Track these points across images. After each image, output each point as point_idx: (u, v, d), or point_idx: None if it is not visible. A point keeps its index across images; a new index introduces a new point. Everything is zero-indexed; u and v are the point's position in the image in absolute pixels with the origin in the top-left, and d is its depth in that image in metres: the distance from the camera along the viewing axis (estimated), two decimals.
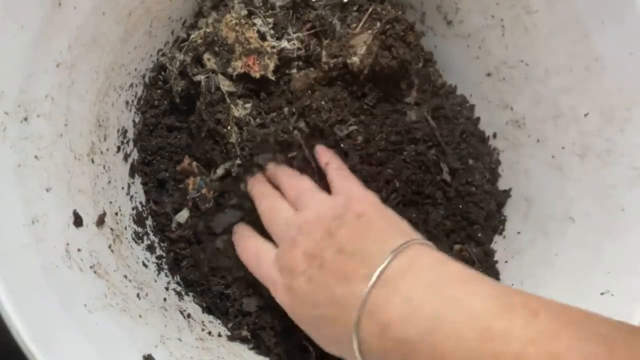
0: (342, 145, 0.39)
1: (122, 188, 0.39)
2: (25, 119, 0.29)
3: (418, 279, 0.27)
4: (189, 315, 0.37)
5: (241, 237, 0.38)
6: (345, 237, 0.31)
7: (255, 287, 0.38)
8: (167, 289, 0.38)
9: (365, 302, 0.27)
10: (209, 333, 0.37)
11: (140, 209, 0.40)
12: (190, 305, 0.39)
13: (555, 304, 0.25)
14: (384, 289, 0.27)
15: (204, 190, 0.39)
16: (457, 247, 0.42)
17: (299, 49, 0.40)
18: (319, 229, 0.32)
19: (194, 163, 0.41)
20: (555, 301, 0.25)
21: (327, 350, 0.31)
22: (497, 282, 0.27)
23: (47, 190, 0.30)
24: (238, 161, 0.39)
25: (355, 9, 0.42)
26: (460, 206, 0.41)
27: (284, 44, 0.40)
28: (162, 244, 0.41)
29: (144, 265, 0.38)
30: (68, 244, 0.30)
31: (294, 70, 0.40)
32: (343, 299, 0.28)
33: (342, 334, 0.28)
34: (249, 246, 0.37)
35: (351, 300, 0.28)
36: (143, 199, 0.41)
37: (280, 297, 0.33)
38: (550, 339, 0.23)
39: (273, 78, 0.39)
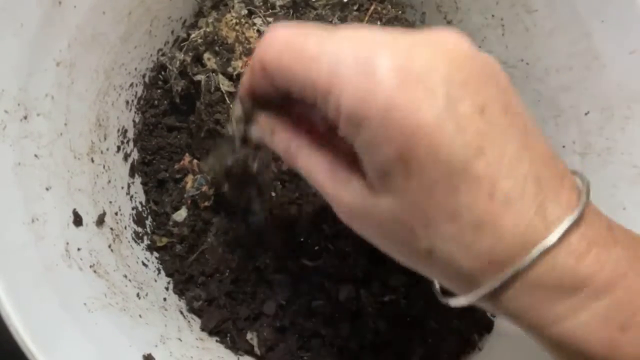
0: None
1: (122, 188, 0.39)
2: (25, 117, 0.29)
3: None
4: (189, 315, 0.37)
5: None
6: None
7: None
8: (167, 288, 0.38)
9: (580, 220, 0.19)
10: (209, 333, 0.37)
11: (140, 209, 0.40)
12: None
13: None
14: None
15: (204, 188, 0.39)
16: None
17: None
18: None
19: (194, 161, 0.41)
20: None
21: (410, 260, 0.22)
22: None
23: (47, 189, 0.30)
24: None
25: (355, 8, 0.42)
26: None
27: None
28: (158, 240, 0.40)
29: (144, 265, 0.38)
30: (68, 243, 0.30)
31: None
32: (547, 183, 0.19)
33: (513, 221, 0.19)
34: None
35: (536, 230, 0.19)
36: (143, 198, 0.41)
37: (409, 96, 0.18)
38: None
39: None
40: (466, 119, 0.18)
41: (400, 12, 0.41)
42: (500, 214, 0.19)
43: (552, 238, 0.19)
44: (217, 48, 0.39)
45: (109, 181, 0.37)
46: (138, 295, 0.34)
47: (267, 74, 0.21)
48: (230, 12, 0.40)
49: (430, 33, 0.20)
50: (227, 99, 0.39)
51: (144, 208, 0.41)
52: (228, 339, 0.38)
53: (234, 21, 0.39)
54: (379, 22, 0.40)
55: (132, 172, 0.41)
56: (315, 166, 0.22)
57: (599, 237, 0.20)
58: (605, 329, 0.19)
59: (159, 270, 0.39)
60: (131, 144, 0.41)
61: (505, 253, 0.19)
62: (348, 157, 0.22)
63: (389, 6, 0.41)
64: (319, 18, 0.41)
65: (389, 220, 0.20)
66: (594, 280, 0.19)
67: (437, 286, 0.23)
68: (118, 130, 0.39)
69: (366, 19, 0.40)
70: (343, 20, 0.41)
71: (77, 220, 0.32)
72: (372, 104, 0.18)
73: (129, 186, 0.40)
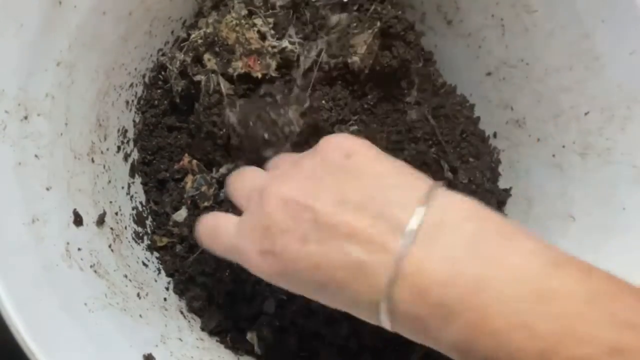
0: None
1: (122, 188, 0.39)
2: (26, 117, 0.29)
3: (456, 234, 0.23)
4: (189, 315, 0.37)
5: (200, 219, 0.31)
6: (341, 185, 0.25)
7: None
8: (167, 288, 0.38)
9: (399, 265, 0.22)
10: (210, 333, 0.37)
11: (140, 209, 0.40)
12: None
13: (600, 269, 0.22)
14: (420, 247, 0.22)
15: (203, 188, 0.39)
16: None
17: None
18: (300, 176, 0.26)
19: (194, 161, 0.41)
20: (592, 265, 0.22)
21: (334, 307, 0.26)
22: (536, 236, 0.23)
23: (47, 189, 0.30)
24: (239, 162, 0.39)
25: (355, 8, 0.42)
26: None
27: (285, 44, 0.40)
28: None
29: (144, 265, 0.38)
30: (68, 243, 0.30)
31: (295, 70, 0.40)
32: (363, 261, 0.23)
33: (362, 299, 0.24)
34: (205, 220, 0.30)
35: (377, 263, 0.23)
36: (143, 198, 0.41)
37: (257, 265, 0.26)
38: (609, 299, 0.21)
39: (277, 74, 0.39)
40: (296, 256, 0.25)
41: (400, 12, 0.41)
42: (353, 293, 0.25)
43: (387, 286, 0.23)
44: (217, 49, 0.39)
45: (109, 181, 0.37)
46: (138, 295, 0.34)
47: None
48: (230, 12, 0.40)
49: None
50: (225, 100, 0.39)
51: (144, 208, 0.41)
52: (228, 339, 0.38)
53: (234, 22, 0.39)
54: (378, 22, 0.40)
55: (132, 172, 0.41)
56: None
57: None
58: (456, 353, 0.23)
59: (159, 270, 0.39)
60: (131, 144, 0.41)
61: (373, 303, 0.24)
62: None
63: (389, 6, 0.41)
64: (319, 18, 0.41)
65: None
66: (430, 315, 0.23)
67: None
68: (118, 130, 0.39)
69: (368, 18, 0.40)
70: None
71: (78, 220, 0.32)
72: (253, 271, 0.27)
73: (129, 186, 0.40)
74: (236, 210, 0.30)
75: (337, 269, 0.24)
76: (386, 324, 0.24)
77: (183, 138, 0.42)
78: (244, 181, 0.30)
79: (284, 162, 0.30)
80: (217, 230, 0.29)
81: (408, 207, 0.23)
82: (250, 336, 0.38)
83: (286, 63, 0.40)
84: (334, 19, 0.41)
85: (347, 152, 0.26)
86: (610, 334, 0.20)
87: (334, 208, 0.24)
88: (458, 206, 0.24)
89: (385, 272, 0.23)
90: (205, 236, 0.30)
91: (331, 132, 0.39)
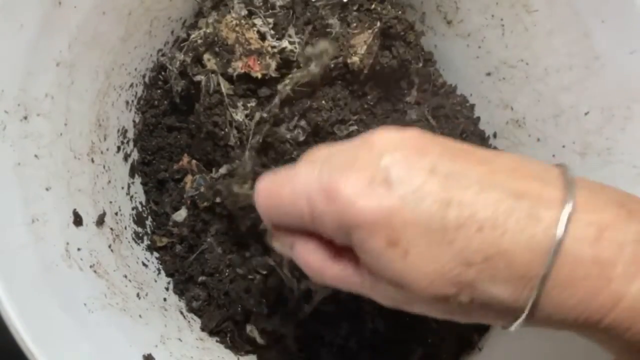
0: None
1: (122, 188, 0.39)
2: (25, 117, 0.29)
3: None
4: (189, 315, 0.37)
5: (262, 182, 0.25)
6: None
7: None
8: (167, 288, 0.38)
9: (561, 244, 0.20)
10: (210, 333, 0.37)
11: (140, 209, 0.40)
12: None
13: None
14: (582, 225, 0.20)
15: (202, 188, 0.39)
16: None
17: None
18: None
19: (193, 161, 0.41)
20: None
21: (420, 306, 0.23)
22: None
23: (47, 189, 0.30)
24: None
25: (355, 8, 0.42)
26: None
27: (285, 44, 0.40)
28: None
29: (144, 265, 0.38)
30: (68, 244, 0.30)
31: (295, 70, 0.40)
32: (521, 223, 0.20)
33: (503, 287, 0.20)
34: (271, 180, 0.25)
35: (539, 237, 0.20)
36: (143, 199, 0.41)
37: (355, 195, 0.21)
38: None
39: (277, 75, 0.39)
40: (423, 188, 0.21)
41: (400, 12, 0.41)
42: (497, 243, 0.20)
43: (559, 234, 0.20)
44: (217, 49, 0.39)
45: (109, 181, 0.37)
46: (138, 295, 0.34)
47: (267, 219, 0.25)
48: (230, 12, 0.40)
49: (364, 137, 0.23)
50: (225, 100, 0.39)
51: (144, 208, 0.41)
52: (228, 338, 0.38)
53: (234, 22, 0.39)
54: (378, 23, 0.40)
55: (132, 172, 0.41)
56: (340, 273, 0.24)
57: (608, 219, 0.20)
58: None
59: (159, 270, 0.39)
60: (131, 144, 0.41)
61: (524, 272, 0.20)
62: None
63: (389, 6, 0.41)
64: (319, 18, 0.41)
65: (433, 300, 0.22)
66: (620, 259, 0.20)
67: None
68: (118, 131, 0.39)
69: (366, 19, 0.40)
70: (343, 20, 0.41)
71: (77, 221, 0.32)
72: (349, 217, 0.21)
73: (129, 186, 0.40)
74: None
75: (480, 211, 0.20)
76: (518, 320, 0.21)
77: (183, 138, 0.42)
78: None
79: None
80: (292, 175, 0.24)
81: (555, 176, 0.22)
82: (250, 328, 0.38)
83: (286, 63, 0.40)
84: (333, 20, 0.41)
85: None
86: None
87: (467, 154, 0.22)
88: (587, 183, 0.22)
89: (543, 252, 0.20)
90: (272, 186, 0.25)
91: (331, 132, 0.39)
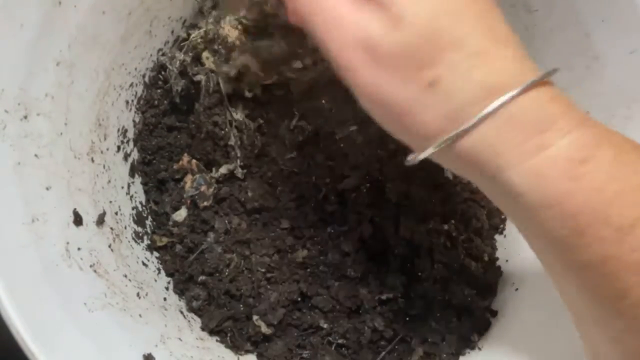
0: (342, 146, 0.39)
1: (122, 187, 0.39)
2: (25, 117, 0.29)
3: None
4: (189, 315, 0.37)
5: None
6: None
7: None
8: (167, 288, 0.38)
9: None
10: (210, 333, 0.37)
11: (140, 209, 0.40)
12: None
13: None
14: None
15: (202, 188, 0.39)
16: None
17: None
18: None
19: (193, 161, 0.41)
20: None
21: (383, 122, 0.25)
22: None
23: (47, 189, 0.30)
24: (240, 163, 0.39)
25: None
26: (461, 205, 0.41)
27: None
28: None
29: (144, 264, 0.38)
30: (68, 243, 0.30)
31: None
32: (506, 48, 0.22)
33: (464, 82, 0.22)
34: None
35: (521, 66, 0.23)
36: (143, 198, 0.41)
37: (378, 24, 0.22)
38: None
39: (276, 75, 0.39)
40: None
41: None
42: (493, 51, 0.22)
43: (527, 80, 0.22)
44: (216, 46, 0.39)
45: (109, 181, 0.37)
46: (138, 295, 0.34)
47: None
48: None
49: None
50: (225, 100, 0.39)
51: (144, 208, 0.41)
52: (228, 338, 0.38)
53: (235, 20, 0.39)
54: None
55: (132, 172, 0.41)
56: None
57: (567, 102, 0.23)
58: (568, 163, 0.21)
59: (159, 270, 0.39)
60: (131, 143, 0.41)
61: (494, 84, 0.22)
62: None
63: None
64: None
65: (403, 54, 0.22)
66: (563, 118, 0.22)
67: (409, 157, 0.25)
68: (118, 130, 0.39)
69: None
70: None
71: (77, 220, 0.32)
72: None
73: (129, 186, 0.40)
74: None
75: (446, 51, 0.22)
76: (424, 151, 0.23)
77: (183, 138, 0.42)
78: None
79: None
80: None
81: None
82: (257, 317, 0.38)
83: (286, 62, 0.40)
84: None
85: None
86: None
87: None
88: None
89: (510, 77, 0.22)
90: None
91: (331, 132, 0.39)
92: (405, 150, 0.40)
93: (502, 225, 0.43)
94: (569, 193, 0.21)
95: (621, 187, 0.21)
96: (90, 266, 0.31)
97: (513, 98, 0.21)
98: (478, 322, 0.39)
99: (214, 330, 0.38)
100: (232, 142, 0.39)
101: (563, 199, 0.21)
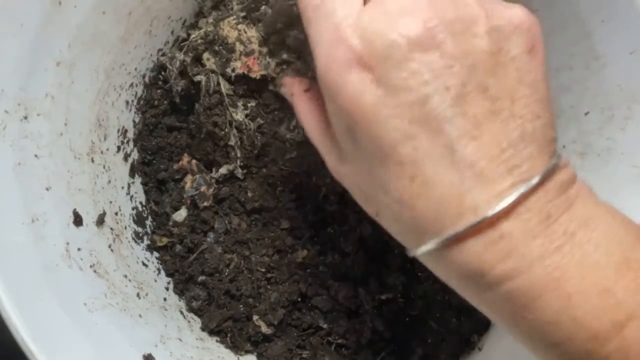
0: None
1: (122, 188, 0.39)
2: (25, 117, 0.29)
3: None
4: (189, 315, 0.37)
5: None
6: (505, 79, 0.20)
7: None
8: (167, 288, 0.38)
9: (506, 213, 0.19)
10: (210, 333, 0.37)
11: (140, 209, 0.40)
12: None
13: None
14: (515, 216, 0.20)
15: (202, 188, 0.39)
16: None
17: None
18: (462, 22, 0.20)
19: (193, 161, 0.41)
20: None
21: (364, 205, 0.24)
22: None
23: (47, 189, 0.30)
24: (240, 163, 0.39)
25: None
26: None
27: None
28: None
29: (144, 265, 0.38)
30: (68, 243, 0.30)
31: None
32: (473, 177, 0.19)
33: (431, 208, 0.20)
34: None
35: (484, 190, 0.19)
36: (143, 198, 0.41)
37: (356, 80, 0.20)
38: None
39: (275, 75, 0.39)
40: (403, 108, 0.20)
41: None
42: (416, 197, 0.20)
43: (460, 228, 0.20)
44: (216, 47, 0.39)
45: (109, 181, 0.37)
46: (138, 295, 0.34)
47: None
48: (229, 13, 0.40)
49: (392, 15, 0.20)
50: (225, 100, 0.39)
51: (144, 208, 0.41)
52: (228, 338, 0.38)
53: (235, 21, 0.39)
54: None
55: (132, 172, 0.41)
56: (314, 127, 0.26)
57: (526, 228, 0.20)
58: (508, 309, 0.20)
59: (159, 270, 0.39)
60: (131, 144, 0.41)
61: (422, 230, 0.21)
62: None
63: None
64: None
65: (353, 184, 0.24)
66: (492, 271, 0.20)
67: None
68: (118, 130, 0.39)
69: None
70: None
71: (77, 220, 0.32)
72: (330, 80, 0.21)
73: (129, 186, 0.40)
74: None
75: (429, 159, 0.20)
76: (423, 256, 0.22)
77: (183, 138, 0.42)
78: None
79: None
80: (324, 6, 0.22)
81: (535, 167, 0.20)
82: (257, 317, 0.38)
83: (285, 62, 0.40)
84: None
85: (532, 45, 0.21)
86: None
87: (483, 101, 0.20)
88: (565, 178, 0.21)
89: (472, 209, 0.19)
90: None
91: None
92: None
93: None
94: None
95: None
96: (90, 266, 0.31)
97: (440, 247, 0.20)
98: (478, 322, 0.39)
99: (214, 330, 0.38)
100: (232, 142, 0.39)
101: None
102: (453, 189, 0.20)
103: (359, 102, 0.20)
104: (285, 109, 0.40)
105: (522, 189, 0.19)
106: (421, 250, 0.21)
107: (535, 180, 0.20)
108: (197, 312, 0.39)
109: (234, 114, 0.39)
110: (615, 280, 0.19)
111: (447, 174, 0.20)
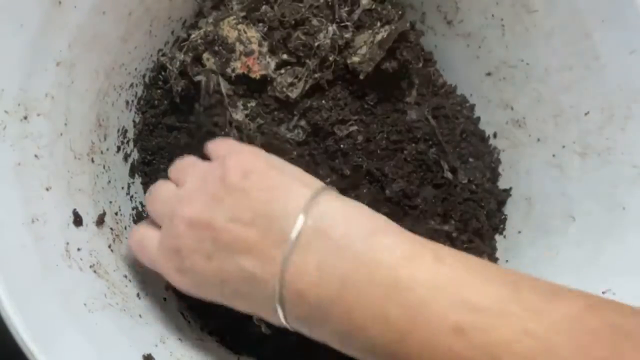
0: (342, 145, 0.39)
1: (122, 188, 0.39)
2: (25, 117, 0.29)
3: (329, 237, 0.26)
4: (189, 315, 0.37)
5: (132, 230, 0.34)
6: (236, 204, 0.27)
7: None
8: (167, 288, 0.38)
9: (284, 272, 0.26)
10: (210, 333, 0.37)
11: (140, 209, 0.40)
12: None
13: (463, 254, 0.25)
14: (299, 255, 0.26)
15: None
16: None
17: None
18: (202, 196, 0.28)
19: None
20: (463, 252, 0.25)
21: (248, 312, 0.30)
22: (406, 231, 0.26)
23: (47, 189, 0.30)
24: None
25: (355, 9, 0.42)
26: (461, 205, 0.41)
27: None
28: None
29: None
30: (68, 243, 0.30)
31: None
32: (255, 273, 0.26)
33: (262, 305, 0.27)
34: (134, 233, 0.33)
35: (267, 273, 0.26)
36: (143, 198, 0.41)
37: (175, 281, 0.30)
38: (458, 285, 0.23)
39: (275, 75, 0.39)
40: (202, 270, 0.29)
41: (400, 12, 0.41)
42: (232, 298, 0.29)
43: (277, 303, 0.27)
44: (216, 47, 0.39)
45: (109, 181, 0.37)
46: (138, 295, 0.34)
47: None
48: (229, 13, 0.40)
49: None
50: (225, 100, 0.39)
51: (144, 208, 0.41)
52: (228, 339, 0.38)
53: (235, 21, 0.39)
54: (378, 23, 0.40)
55: (132, 172, 0.41)
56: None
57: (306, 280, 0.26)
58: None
59: None
60: (131, 144, 0.41)
61: (270, 304, 0.27)
62: None
63: (389, 6, 0.41)
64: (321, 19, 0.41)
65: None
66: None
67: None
68: (118, 131, 0.39)
69: (366, 19, 0.40)
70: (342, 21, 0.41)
71: (77, 220, 0.32)
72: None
73: (129, 186, 0.40)
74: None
75: (238, 282, 0.27)
76: (286, 325, 0.28)
77: (183, 138, 0.42)
78: (155, 203, 0.32)
79: (193, 172, 0.32)
80: (143, 244, 0.32)
81: (291, 218, 0.26)
82: (256, 318, 0.38)
83: (285, 62, 0.40)
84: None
85: (244, 172, 0.28)
86: (454, 315, 0.22)
87: (230, 225, 0.27)
88: (336, 209, 0.27)
89: (274, 281, 0.26)
90: (134, 248, 0.32)
91: (331, 132, 0.39)
92: (408, 149, 0.40)
93: (502, 226, 0.43)
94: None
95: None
96: (90, 266, 0.31)
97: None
98: None
99: (213, 330, 0.38)
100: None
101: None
102: (260, 272, 0.27)
103: (188, 289, 0.31)
104: (285, 109, 0.40)
105: (287, 247, 0.26)
106: (280, 316, 0.27)
107: (291, 242, 0.26)
108: (197, 312, 0.39)
109: (234, 114, 0.39)
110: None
111: (250, 272, 0.27)
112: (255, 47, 0.39)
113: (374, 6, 0.41)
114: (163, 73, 0.42)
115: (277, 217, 0.27)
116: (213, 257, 0.27)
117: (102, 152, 0.36)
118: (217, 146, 0.33)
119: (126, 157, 0.40)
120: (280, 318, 0.27)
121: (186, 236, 0.28)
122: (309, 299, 0.25)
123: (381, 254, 0.25)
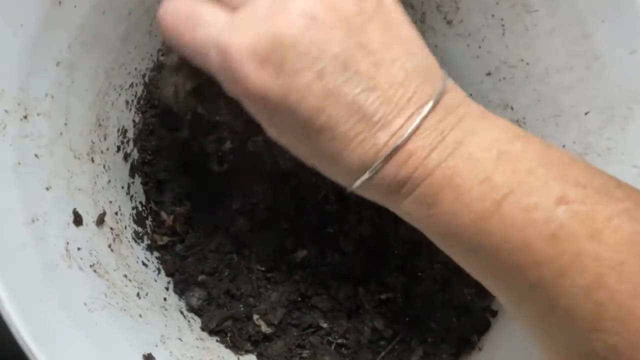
0: None
1: (122, 187, 0.39)
2: (25, 117, 0.29)
3: (456, 115, 0.24)
4: (189, 315, 0.37)
5: (165, 2, 0.25)
6: (381, 34, 0.23)
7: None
8: (167, 288, 0.38)
9: (408, 139, 0.23)
10: (210, 333, 0.37)
11: (140, 209, 0.40)
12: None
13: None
14: (430, 120, 0.23)
15: None
16: None
17: None
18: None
19: None
20: None
21: (309, 159, 0.26)
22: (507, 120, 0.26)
23: (47, 189, 0.30)
24: None
25: None
26: None
27: None
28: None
29: (144, 264, 0.38)
30: (68, 243, 0.30)
31: None
32: (369, 123, 0.23)
33: (350, 161, 0.24)
34: (176, 3, 0.25)
35: (390, 127, 0.23)
36: (143, 198, 0.41)
37: (247, 73, 0.22)
38: (563, 165, 0.24)
39: None
40: (306, 88, 0.22)
41: None
42: (341, 151, 0.23)
43: (379, 160, 0.23)
44: None
45: (109, 181, 0.37)
46: (138, 295, 0.34)
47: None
48: None
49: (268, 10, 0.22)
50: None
51: (144, 208, 0.41)
52: (228, 338, 0.38)
53: None
54: None
55: (132, 172, 0.41)
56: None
57: (425, 145, 0.23)
58: (420, 209, 0.24)
59: (159, 270, 0.39)
60: (131, 144, 0.41)
61: (354, 171, 0.24)
62: None
63: None
64: None
65: (287, 146, 0.26)
66: (405, 184, 0.24)
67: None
68: (118, 130, 0.39)
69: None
70: None
71: (77, 220, 0.32)
72: (236, 87, 0.23)
73: (129, 186, 0.40)
74: None
75: (342, 121, 0.23)
76: (356, 188, 0.25)
77: (183, 138, 0.42)
78: None
79: None
80: (197, 18, 0.23)
81: (424, 96, 0.24)
82: (257, 317, 0.38)
83: None
84: None
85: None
86: (558, 188, 0.22)
87: (364, 57, 0.22)
88: (454, 100, 0.25)
89: (387, 136, 0.23)
90: (174, 23, 0.24)
91: None
92: None
93: None
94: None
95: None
96: (90, 266, 0.31)
97: (370, 178, 0.24)
98: (478, 322, 0.39)
99: (214, 330, 0.38)
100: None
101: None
102: (367, 134, 0.23)
103: (267, 98, 0.23)
104: None
105: (418, 117, 0.23)
106: (355, 185, 0.25)
107: (427, 108, 0.23)
108: (197, 311, 0.39)
109: None
110: (493, 170, 0.23)
111: (359, 125, 0.23)
112: None
113: None
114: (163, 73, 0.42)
115: (416, 78, 0.24)
116: (327, 76, 0.22)
117: (102, 152, 0.37)
118: None
119: (126, 157, 0.40)
120: (356, 182, 0.24)
121: (299, 31, 0.22)
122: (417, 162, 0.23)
123: (493, 131, 0.24)
